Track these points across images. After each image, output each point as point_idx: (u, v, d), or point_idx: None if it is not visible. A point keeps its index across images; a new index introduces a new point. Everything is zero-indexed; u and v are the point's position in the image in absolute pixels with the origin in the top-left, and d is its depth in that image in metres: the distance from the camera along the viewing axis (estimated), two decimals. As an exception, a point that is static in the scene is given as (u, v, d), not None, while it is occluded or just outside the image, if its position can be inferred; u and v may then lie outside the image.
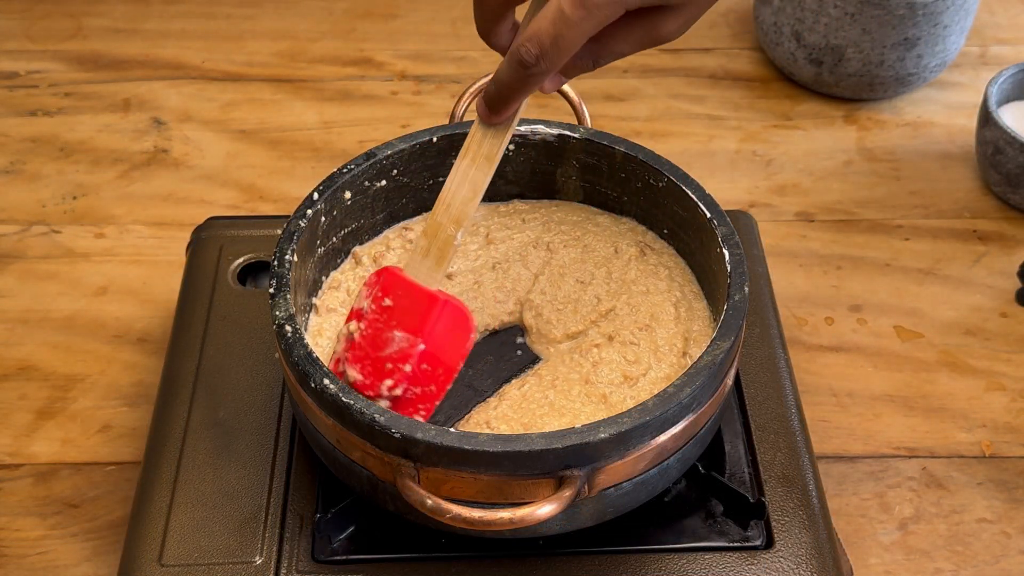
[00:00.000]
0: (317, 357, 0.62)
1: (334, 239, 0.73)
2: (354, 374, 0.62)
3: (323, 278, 0.73)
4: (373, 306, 0.63)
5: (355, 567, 0.65)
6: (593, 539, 0.66)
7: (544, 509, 0.57)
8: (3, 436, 0.81)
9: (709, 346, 0.62)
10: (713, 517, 0.68)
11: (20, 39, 1.14)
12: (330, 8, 1.19)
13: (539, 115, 1.02)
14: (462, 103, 0.77)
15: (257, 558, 0.66)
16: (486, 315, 0.72)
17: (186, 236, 0.86)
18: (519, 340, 0.72)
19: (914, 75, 1.04)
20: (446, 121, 0.78)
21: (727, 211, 0.71)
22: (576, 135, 0.74)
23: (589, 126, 0.76)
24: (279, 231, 0.68)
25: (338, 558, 0.66)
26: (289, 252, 0.67)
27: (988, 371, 0.86)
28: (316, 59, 1.13)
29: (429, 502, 0.58)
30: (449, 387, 0.63)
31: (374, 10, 1.19)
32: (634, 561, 0.66)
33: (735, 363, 0.66)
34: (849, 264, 0.93)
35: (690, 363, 0.63)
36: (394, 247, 0.75)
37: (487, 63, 1.12)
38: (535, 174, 0.77)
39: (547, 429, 0.64)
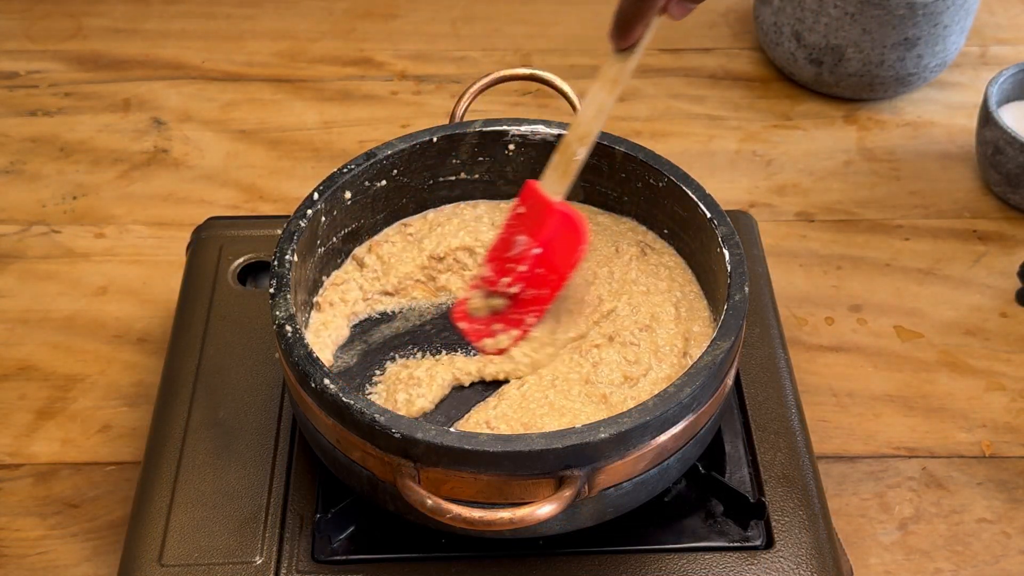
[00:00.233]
0: (317, 357, 0.62)
1: (334, 239, 0.73)
2: (484, 270, 0.71)
3: (323, 278, 0.73)
4: (511, 212, 0.70)
5: (355, 567, 0.65)
6: (593, 539, 0.66)
7: (544, 509, 0.57)
8: (3, 436, 0.81)
9: (709, 346, 0.62)
10: (713, 517, 0.68)
11: (20, 39, 1.14)
12: (330, 8, 1.19)
13: (539, 115, 1.03)
14: (462, 103, 0.77)
15: (257, 558, 0.66)
16: None
17: (186, 236, 0.86)
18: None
19: (914, 75, 1.04)
20: (446, 121, 0.78)
21: (727, 211, 0.71)
22: (576, 135, 0.74)
23: (589, 126, 0.76)
24: (279, 231, 0.68)
25: (338, 558, 0.66)
26: (289, 252, 0.67)
27: (988, 371, 0.86)
28: (316, 59, 1.13)
29: (429, 502, 0.58)
30: (560, 292, 0.69)
31: (374, 10, 1.19)
32: (634, 561, 0.66)
33: (735, 363, 0.66)
34: (849, 264, 0.93)
35: (690, 363, 0.63)
36: (394, 240, 0.75)
37: (487, 63, 1.12)
38: (535, 174, 0.77)
39: (547, 429, 0.64)
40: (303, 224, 0.68)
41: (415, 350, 0.71)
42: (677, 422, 0.61)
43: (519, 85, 1.08)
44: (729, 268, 0.66)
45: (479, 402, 0.68)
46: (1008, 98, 0.99)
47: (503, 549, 0.66)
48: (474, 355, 0.71)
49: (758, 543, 0.67)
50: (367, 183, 0.73)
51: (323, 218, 0.70)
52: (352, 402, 0.59)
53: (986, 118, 0.95)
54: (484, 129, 0.75)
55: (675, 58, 1.13)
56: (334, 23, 1.17)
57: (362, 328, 0.72)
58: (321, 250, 0.72)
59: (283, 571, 0.65)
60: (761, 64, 1.12)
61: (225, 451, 0.71)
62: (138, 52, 1.13)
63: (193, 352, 0.76)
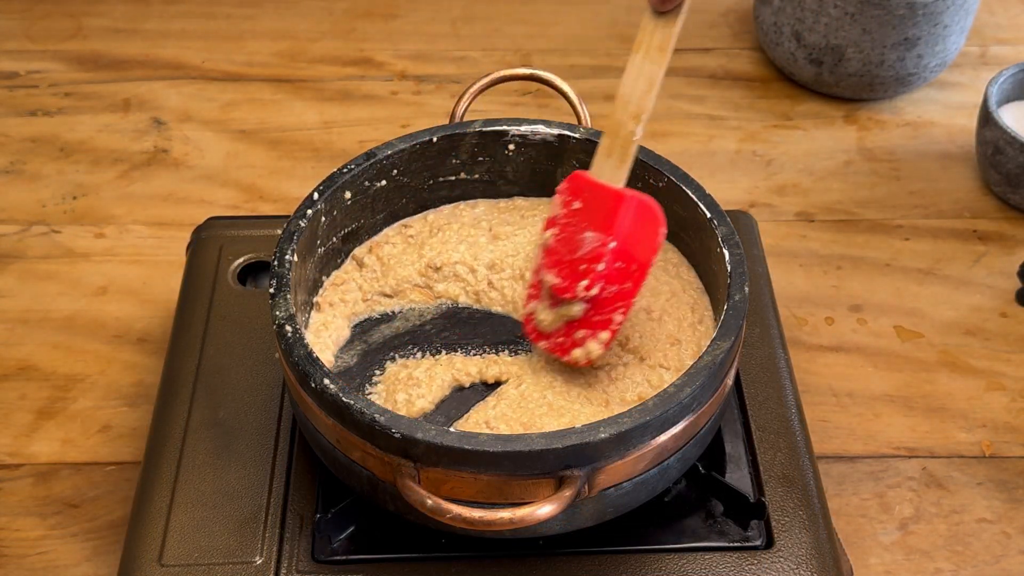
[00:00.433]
0: (317, 357, 0.62)
1: (334, 239, 0.73)
2: (551, 278, 0.64)
3: (323, 278, 0.73)
4: (564, 210, 0.65)
5: (355, 567, 0.65)
6: (593, 539, 0.66)
7: (544, 509, 0.57)
8: (3, 436, 0.81)
9: (709, 346, 0.62)
10: (713, 517, 0.68)
11: (20, 39, 1.14)
12: (330, 8, 1.19)
13: (539, 115, 1.03)
14: (462, 103, 0.77)
15: (257, 558, 0.66)
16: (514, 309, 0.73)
17: (186, 236, 0.86)
18: (518, 334, 0.72)
19: (914, 75, 1.04)
20: (446, 121, 0.78)
21: (727, 211, 0.71)
22: (576, 135, 0.74)
23: (589, 126, 0.76)
24: (279, 231, 0.68)
25: (338, 558, 0.66)
26: (289, 252, 0.67)
27: (988, 371, 0.86)
28: (316, 59, 1.13)
29: (429, 502, 0.58)
30: (644, 282, 0.64)
31: (374, 10, 1.19)
32: (634, 561, 0.66)
33: (735, 363, 0.66)
34: (849, 264, 0.93)
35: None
36: (394, 241, 0.75)
37: (487, 63, 1.12)
38: (535, 174, 0.77)
39: (547, 429, 0.64)
40: (303, 224, 0.68)
41: (415, 350, 0.71)
42: (677, 422, 0.61)
43: (519, 85, 1.08)
44: (729, 268, 0.66)
45: (478, 402, 0.68)
46: (1008, 98, 0.99)
47: (503, 549, 0.66)
48: (474, 355, 0.71)
49: (758, 543, 0.67)
50: (367, 183, 0.73)
51: (323, 218, 0.70)
52: (352, 402, 0.59)
53: (986, 118, 0.95)
54: (484, 129, 0.75)
55: (675, 58, 1.12)
56: (334, 23, 1.17)
57: (362, 328, 0.72)
58: (321, 250, 0.72)
59: (283, 571, 0.65)
60: (761, 64, 1.12)
61: (225, 451, 0.71)
62: (138, 52, 1.13)
63: (193, 352, 0.76)
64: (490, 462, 0.58)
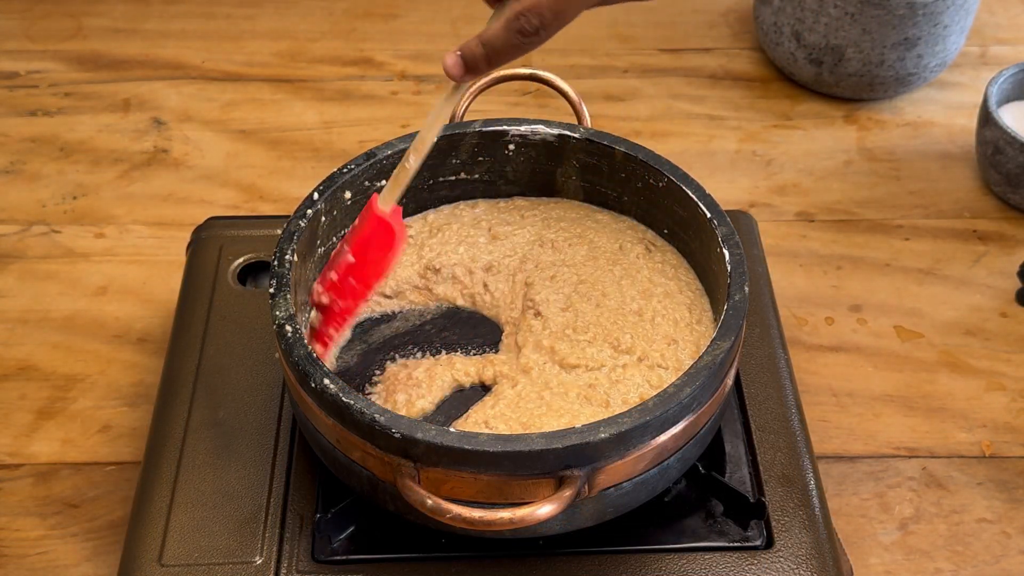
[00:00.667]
0: (317, 357, 0.62)
1: (334, 239, 0.73)
2: (315, 284, 0.69)
3: (323, 278, 0.73)
4: (351, 227, 0.70)
5: (355, 567, 0.65)
6: (593, 539, 0.66)
7: (544, 509, 0.57)
8: (3, 436, 0.81)
9: (709, 346, 0.62)
10: (713, 517, 0.68)
11: (20, 39, 1.14)
12: (330, 8, 1.19)
13: (539, 115, 1.03)
14: (462, 103, 0.77)
15: (257, 558, 0.66)
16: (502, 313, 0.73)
17: (186, 236, 0.86)
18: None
19: (914, 75, 1.04)
20: (446, 121, 0.78)
21: (727, 211, 0.71)
22: (576, 135, 0.74)
23: (589, 126, 0.76)
24: (279, 231, 0.68)
25: (338, 558, 0.66)
26: (289, 252, 0.67)
27: (988, 371, 0.86)
28: (316, 59, 1.13)
29: (429, 502, 0.58)
30: (361, 305, 0.69)
31: (374, 10, 1.19)
32: (634, 561, 0.66)
33: (735, 363, 0.66)
34: (849, 264, 0.93)
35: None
36: None
37: (487, 63, 1.12)
38: (535, 174, 0.77)
39: (546, 429, 0.64)
40: (303, 224, 0.68)
41: (415, 350, 0.71)
42: (677, 422, 0.61)
43: (519, 85, 1.08)
44: (729, 268, 0.66)
45: (477, 402, 0.68)
46: (1008, 98, 0.99)
47: (503, 549, 0.66)
48: (474, 355, 0.71)
49: (758, 543, 0.67)
50: (367, 183, 0.73)
51: (323, 218, 0.70)
52: (352, 402, 0.59)
53: (986, 118, 0.95)
54: (484, 129, 0.75)
55: (675, 58, 1.13)
56: (334, 23, 1.17)
57: (362, 328, 0.72)
58: (321, 250, 0.72)
59: (283, 571, 0.65)
60: (761, 64, 1.12)
61: (225, 451, 0.71)
62: (138, 52, 1.13)
63: (193, 352, 0.76)
64: (490, 462, 0.58)
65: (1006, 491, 0.78)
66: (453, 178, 0.77)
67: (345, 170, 0.71)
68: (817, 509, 0.68)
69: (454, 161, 0.76)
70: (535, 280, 0.73)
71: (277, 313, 0.64)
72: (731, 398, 0.73)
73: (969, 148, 1.03)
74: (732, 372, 0.66)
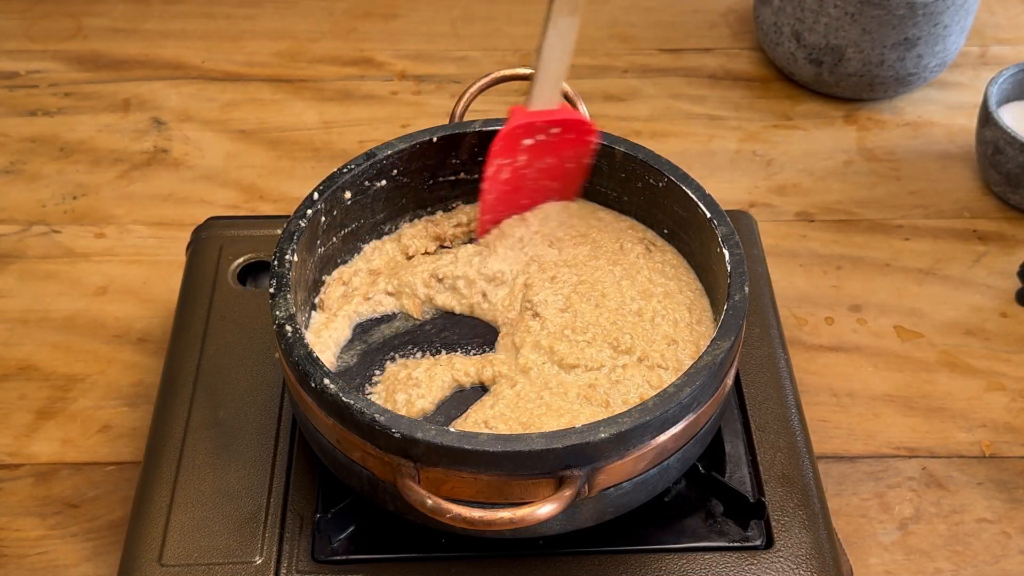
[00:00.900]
0: (317, 357, 0.62)
1: (334, 239, 0.73)
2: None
3: (324, 278, 0.73)
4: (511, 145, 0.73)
5: (355, 567, 0.65)
6: (593, 539, 0.66)
7: (544, 509, 0.57)
8: (3, 436, 0.81)
9: (709, 346, 0.62)
10: (713, 517, 0.68)
11: (20, 39, 1.14)
12: (330, 8, 1.19)
13: (539, 115, 1.02)
14: (462, 103, 0.77)
15: (257, 558, 0.66)
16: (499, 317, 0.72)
17: (186, 236, 0.86)
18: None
19: (914, 75, 1.04)
20: (446, 121, 0.78)
21: (727, 211, 0.71)
22: (576, 135, 0.74)
23: (589, 126, 0.76)
24: (279, 231, 0.68)
25: (338, 558, 0.66)
26: (289, 252, 0.67)
27: (988, 371, 0.86)
28: (316, 59, 1.13)
29: (429, 502, 0.58)
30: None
31: (374, 10, 1.19)
32: (634, 561, 0.66)
33: (735, 363, 0.66)
34: (849, 264, 0.93)
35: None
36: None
37: (487, 63, 1.12)
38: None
39: (546, 429, 0.64)
40: (303, 224, 0.68)
41: (415, 350, 0.71)
42: (677, 422, 0.61)
43: (519, 85, 1.07)
44: (729, 268, 0.66)
45: (477, 402, 0.68)
46: (1008, 98, 0.99)
47: (503, 549, 0.66)
48: (474, 355, 0.71)
49: (758, 543, 0.67)
50: (367, 183, 0.73)
51: (323, 218, 0.70)
52: (352, 402, 0.59)
53: (986, 118, 0.95)
54: (484, 129, 0.75)
55: (675, 58, 1.13)
56: (334, 23, 1.17)
57: (362, 328, 0.72)
58: (321, 250, 0.72)
59: (283, 571, 0.65)
60: (761, 64, 1.12)
61: (225, 451, 0.71)
62: (138, 52, 1.13)
63: (193, 352, 0.76)
64: (490, 462, 0.58)
65: (1006, 491, 0.78)
66: (453, 178, 0.77)
67: (345, 170, 0.71)
68: (817, 509, 0.68)
69: (454, 161, 0.76)
70: (535, 281, 0.73)
71: (277, 313, 0.64)
72: (731, 398, 0.73)
73: (969, 148, 1.03)
74: (732, 372, 0.66)
